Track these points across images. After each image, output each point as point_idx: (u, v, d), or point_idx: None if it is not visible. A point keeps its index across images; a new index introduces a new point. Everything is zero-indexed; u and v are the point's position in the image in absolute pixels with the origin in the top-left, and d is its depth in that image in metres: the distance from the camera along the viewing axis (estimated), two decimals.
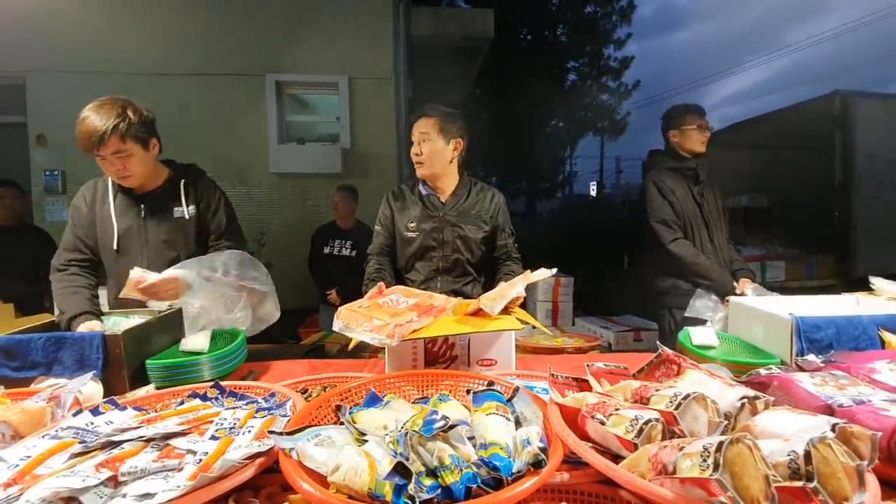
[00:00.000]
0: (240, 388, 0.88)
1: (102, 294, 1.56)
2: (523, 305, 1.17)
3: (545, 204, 15.90)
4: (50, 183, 3.96)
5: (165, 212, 1.47)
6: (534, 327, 1.29)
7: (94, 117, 1.29)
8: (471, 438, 0.61)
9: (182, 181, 1.50)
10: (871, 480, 0.51)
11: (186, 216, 1.48)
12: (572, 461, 0.63)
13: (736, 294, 1.73)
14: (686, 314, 1.75)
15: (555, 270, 1.16)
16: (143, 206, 1.46)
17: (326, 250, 3.27)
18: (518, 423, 0.69)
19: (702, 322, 1.64)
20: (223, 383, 0.88)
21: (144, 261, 1.43)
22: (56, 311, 1.40)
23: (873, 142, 3.45)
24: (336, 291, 3.21)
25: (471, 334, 1.03)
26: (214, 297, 1.29)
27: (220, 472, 0.56)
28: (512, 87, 12.82)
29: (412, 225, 1.63)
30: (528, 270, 1.17)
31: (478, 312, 1.05)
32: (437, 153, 1.58)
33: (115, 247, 1.45)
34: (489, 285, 1.71)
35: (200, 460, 0.59)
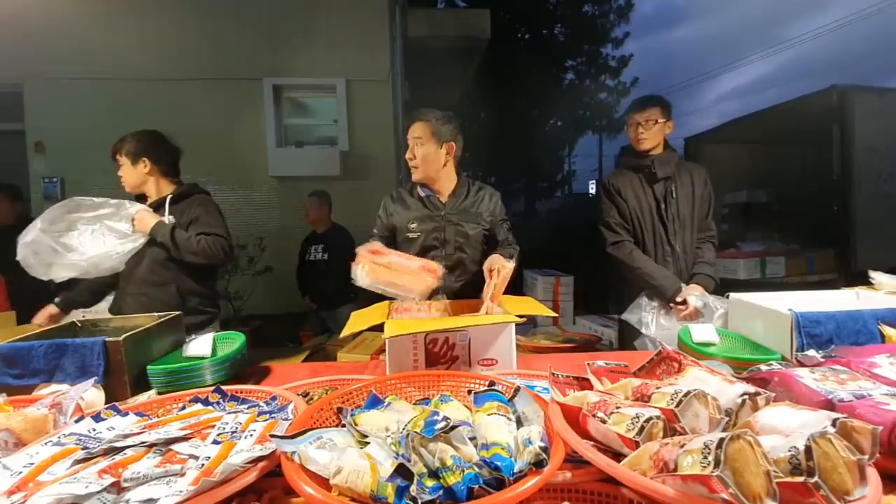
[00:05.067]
0: (241, 392, 0.88)
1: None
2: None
3: (545, 203, 15.87)
4: (49, 190, 3.93)
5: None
6: (535, 326, 1.30)
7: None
8: (472, 439, 0.62)
9: (169, 197, 1.78)
10: (873, 474, 0.51)
11: (166, 220, 1.75)
12: (574, 460, 0.63)
13: (677, 302, 1.64)
14: (622, 317, 1.68)
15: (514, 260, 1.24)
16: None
17: (308, 257, 3.29)
18: (519, 423, 0.69)
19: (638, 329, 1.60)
20: (224, 387, 0.88)
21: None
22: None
23: (872, 135, 3.44)
24: (309, 297, 3.26)
25: (471, 328, 1.05)
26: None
27: (222, 477, 0.56)
28: (510, 87, 12.81)
29: (413, 226, 1.64)
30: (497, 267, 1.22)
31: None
32: (430, 157, 1.61)
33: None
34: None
35: (203, 465, 0.59)
